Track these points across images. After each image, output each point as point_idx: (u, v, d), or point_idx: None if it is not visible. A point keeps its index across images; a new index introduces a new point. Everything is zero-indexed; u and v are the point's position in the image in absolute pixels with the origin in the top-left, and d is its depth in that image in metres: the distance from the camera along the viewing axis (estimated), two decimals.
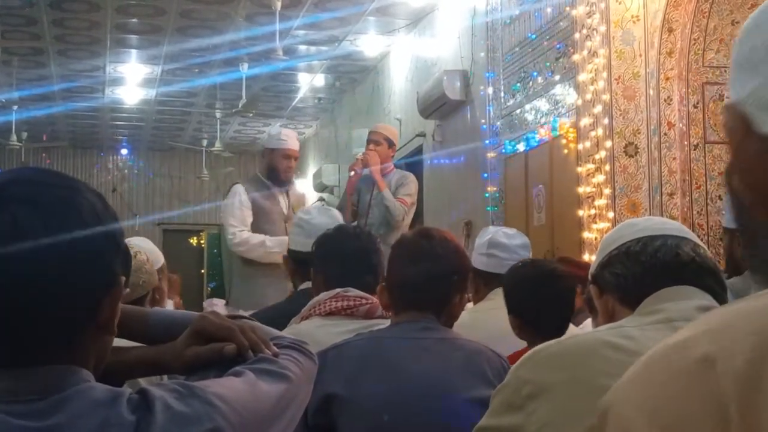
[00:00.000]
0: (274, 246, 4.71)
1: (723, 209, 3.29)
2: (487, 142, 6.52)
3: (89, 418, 0.96)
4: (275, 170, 4.98)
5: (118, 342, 1.24)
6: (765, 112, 0.74)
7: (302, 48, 8.94)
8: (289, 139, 5.10)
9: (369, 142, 5.33)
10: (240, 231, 4.83)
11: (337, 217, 3.21)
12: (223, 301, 8.25)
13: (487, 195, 6.45)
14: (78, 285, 1.01)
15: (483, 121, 6.64)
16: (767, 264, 0.81)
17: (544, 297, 2.41)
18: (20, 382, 0.98)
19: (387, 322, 2.26)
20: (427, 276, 2.13)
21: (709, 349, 0.65)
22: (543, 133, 5.63)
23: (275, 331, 1.28)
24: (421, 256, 2.15)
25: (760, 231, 0.80)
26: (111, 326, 1.07)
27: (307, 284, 2.94)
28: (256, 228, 4.84)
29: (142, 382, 1.48)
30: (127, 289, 2.43)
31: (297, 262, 3.07)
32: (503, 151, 6.24)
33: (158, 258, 3.08)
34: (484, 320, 2.70)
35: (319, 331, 2.32)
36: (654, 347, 0.71)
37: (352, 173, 5.32)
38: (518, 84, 6.05)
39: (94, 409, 0.97)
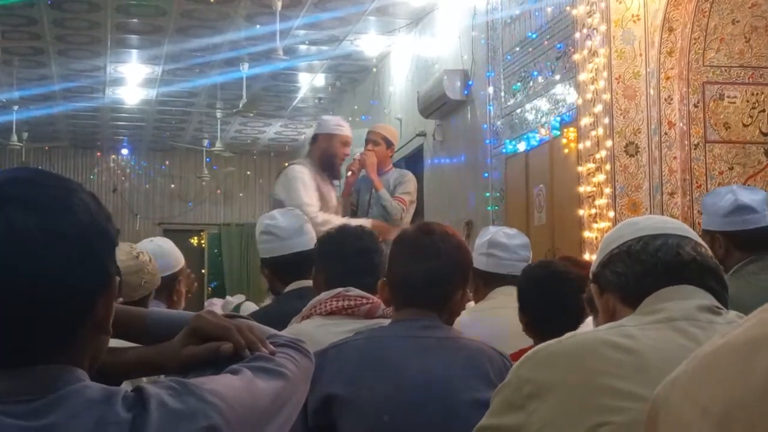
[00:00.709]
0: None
1: (702, 210, 3.29)
2: (487, 141, 6.51)
3: (84, 417, 0.96)
4: (334, 157, 4.85)
5: (116, 342, 1.24)
6: None
7: (303, 48, 8.94)
8: (346, 126, 5.01)
9: (367, 141, 5.31)
10: (318, 210, 4.62)
11: (301, 216, 3.19)
12: (223, 301, 8.27)
13: (487, 195, 6.44)
14: (73, 285, 1.00)
15: (483, 120, 6.64)
16: None
17: (551, 297, 2.43)
18: (15, 381, 0.98)
19: (388, 322, 2.25)
20: (428, 273, 2.11)
21: None
22: (543, 133, 5.62)
23: (272, 330, 1.28)
24: (423, 252, 2.13)
25: None
26: (106, 326, 1.07)
27: (295, 284, 2.94)
28: None
29: (142, 381, 1.47)
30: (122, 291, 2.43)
31: (273, 269, 3.06)
32: (504, 150, 6.24)
33: (178, 259, 3.05)
34: (485, 319, 2.69)
35: (319, 330, 2.32)
36: (717, 340, 0.66)
37: (349, 173, 5.32)
38: (519, 83, 6.04)
39: (90, 408, 0.97)
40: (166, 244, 3.06)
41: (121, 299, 2.35)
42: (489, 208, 6.43)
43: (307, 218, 4.36)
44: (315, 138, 4.96)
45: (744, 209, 2.91)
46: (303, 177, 4.69)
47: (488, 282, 2.87)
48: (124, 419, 0.97)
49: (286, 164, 4.81)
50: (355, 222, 4.52)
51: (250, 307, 7.46)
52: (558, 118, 5.42)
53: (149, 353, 1.25)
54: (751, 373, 0.59)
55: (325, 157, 4.83)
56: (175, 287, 2.97)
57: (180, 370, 1.20)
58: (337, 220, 4.53)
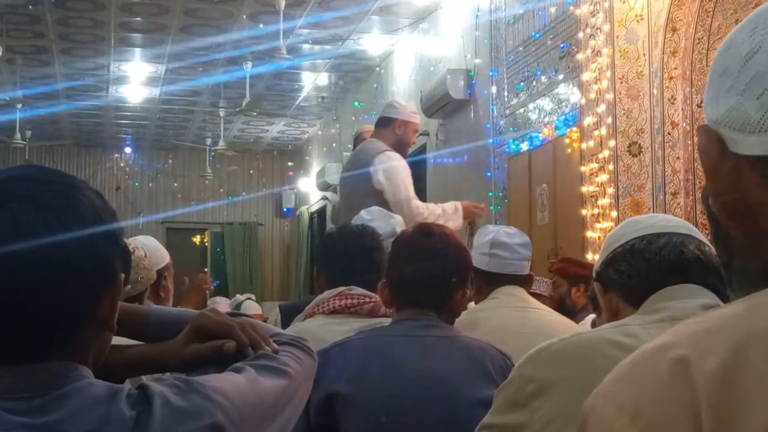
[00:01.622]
0: (447, 219, 4.46)
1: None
2: (490, 141, 6.51)
3: (89, 414, 0.96)
4: (407, 144, 4.73)
5: (119, 340, 1.24)
6: (737, 132, 0.75)
7: (306, 47, 8.93)
8: (418, 115, 4.89)
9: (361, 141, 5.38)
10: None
11: (395, 222, 3.17)
12: (226, 300, 8.28)
13: (490, 194, 6.44)
14: (77, 282, 1.00)
15: (486, 120, 6.64)
16: (742, 281, 0.83)
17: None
18: (19, 378, 0.98)
19: (390, 321, 2.25)
20: (428, 274, 2.13)
21: (686, 351, 0.67)
22: (546, 133, 5.62)
23: (275, 328, 1.28)
24: (422, 253, 2.14)
25: (735, 249, 0.82)
26: (110, 323, 1.07)
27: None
28: (382, 202, 4.38)
29: (144, 379, 1.48)
30: (128, 286, 2.44)
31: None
32: (507, 150, 6.23)
33: (163, 256, 3.06)
34: (487, 319, 2.69)
35: (323, 329, 2.32)
36: (636, 350, 0.73)
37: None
38: (522, 83, 6.04)
39: (94, 405, 0.97)
40: (150, 242, 3.06)
41: (128, 287, 2.37)
42: (492, 207, 6.42)
43: (412, 213, 4.35)
44: (390, 121, 4.73)
45: None
46: (407, 169, 4.55)
47: (490, 282, 2.86)
48: (128, 417, 0.97)
49: (384, 151, 4.54)
50: (447, 206, 4.56)
51: (251, 305, 7.47)
52: (561, 118, 5.42)
53: (152, 351, 1.25)
54: (654, 371, 0.68)
55: (400, 144, 4.67)
56: (161, 283, 2.98)
57: (183, 369, 1.20)
58: (438, 210, 4.50)
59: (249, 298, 8.22)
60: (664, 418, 0.65)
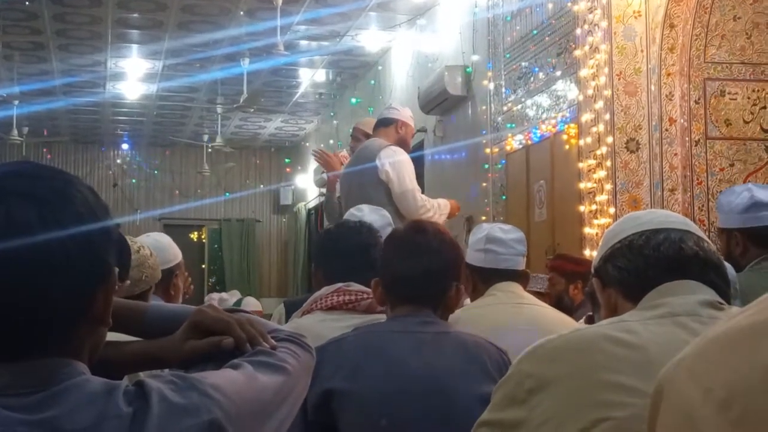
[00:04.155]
0: (442, 213, 4.65)
1: (717, 209, 3.31)
2: (488, 137, 6.51)
3: (85, 411, 0.96)
4: (407, 145, 4.91)
5: (117, 336, 1.24)
6: None
7: (303, 43, 8.93)
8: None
9: (351, 138, 5.49)
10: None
11: (388, 216, 3.21)
12: (220, 296, 8.28)
13: (488, 191, 6.44)
14: (72, 278, 1.00)
15: (484, 116, 6.64)
16: None
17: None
18: (15, 375, 0.98)
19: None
20: (425, 271, 2.13)
21: None
22: (544, 129, 5.62)
23: (273, 324, 1.28)
24: (418, 251, 2.15)
25: None
26: (105, 318, 1.07)
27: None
28: (387, 198, 4.55)
29: (142, 376, 1.47)
30: (128, 282, 2.43)
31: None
32: (504, 146, 6.23)
33: (175, 254, 3.05)
34: (483, 315, 2.69)
35: (321, 325, 2.32)
36: (722, 324, 0.67)
37: (328, 175, 5.46)
38: (519, 79, 6.04)
39: (91, 402, 0.97)
40: (163, 239, 3.06)
41: (127, 282, 2.36)
42: (489, 204, 6.42)
43: (417, 204, 4.52)
44: (392, 121, 4.93)
45: (760, 206, 2.95)
46: (411, 163, 4.70)
47: (486, 278, 2.86)
48: (126, 413, 0.96)
49: (389, 145, 4.69)
50: (441, 201, 4.72)
51: (251, 302, 7.47)
52: (559, 115, 5.42)
53: (150, 347, 1.25)
54: (754, 359, 0.61)
55: (402, 143, 4.85)
56: (172, 281, 2.97)
57: (181, 365, 1.20)
58: (435, 203, 4.65)
59: (242, 297, 8.22)
60: (763, 410, 0.59)
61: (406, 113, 5.02)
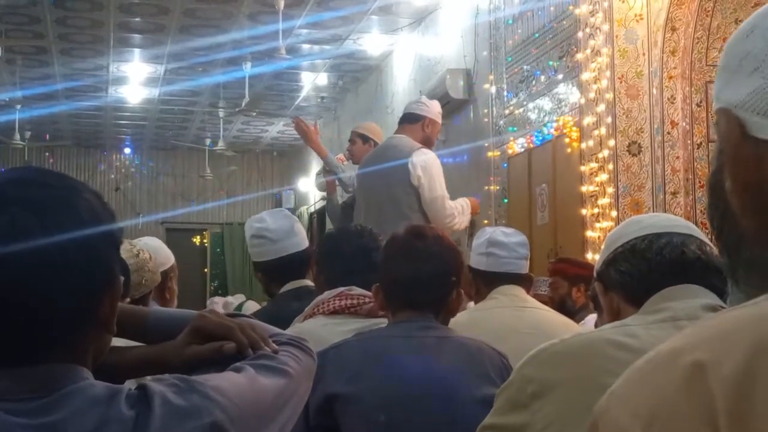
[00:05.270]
0: (465, 216, 4.54)
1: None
2: (490, 140, 6.50)
3: (88, 415, 0.96)
4: (432, 144, 4.70)
5: (118, 342, 1.24)
6: (761, 116, 0.73)
7: (305, 47, 8.93)
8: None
9: (348, 142, 5.56)
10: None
11: (291, 216, 3.12)
12: (226, 300, 8.28)
13: (490, 194, 6.43)
14: (77, 284, 1.00)
15: (486, 120, 6.63)
16: (749, 273, 0.80)
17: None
18: (19, 380, 0.98)
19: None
20: (426, 276, 2.13)
21: (702, 356, 0.64)
22: (546, 132, 5.61)
23: (274, 329, 1.28)
24: (418, 256, 2.14)
25: (743, 239, 0.79)
26: (110, 325, 1.07)
27: (290, 285, 2.92)
28: (417, 203, 4.41)
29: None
30: (127, 300, 2.42)
31: (267, 272, 3.02)
32: (506, 150, 6.23)
33: (168, 257, 3.05)
34: (486, 319, 2.69)
35: (324, 329, 2.32)
36: (650, 353, 0.71)
37: (327, 178, 5.52)
38: (521, 83, 6.04)
39: (93, 406, 0.97)
40: (154, 242, 3.06)
41: (128, 299, 2.36)
42: (491, 207, 6.42)
43: (445, 212, 4.40)
44: (419, 118, 4.66)
45: None
46: (440, 167, 4.55)
47: (489, 282, 2.86)
48: (128, 417, 0.97)
49: (420, 147, 4.50)
50: (464, 203, 4.61)
51: (252, 306, 7.47)
52: (561, 118, 5.42)
53: (152, 352, 1.25)
54: (670, 379, 0.65)
55: (428, 143, 4.64)
56: (167, 285, 2.97)
57: (183, 370, 1.20)
58: (459, 207, 4.52)
59: (246, 300, 8.22)
60: (680, 427, 0.63)
61: (435, 109, 4.74)
